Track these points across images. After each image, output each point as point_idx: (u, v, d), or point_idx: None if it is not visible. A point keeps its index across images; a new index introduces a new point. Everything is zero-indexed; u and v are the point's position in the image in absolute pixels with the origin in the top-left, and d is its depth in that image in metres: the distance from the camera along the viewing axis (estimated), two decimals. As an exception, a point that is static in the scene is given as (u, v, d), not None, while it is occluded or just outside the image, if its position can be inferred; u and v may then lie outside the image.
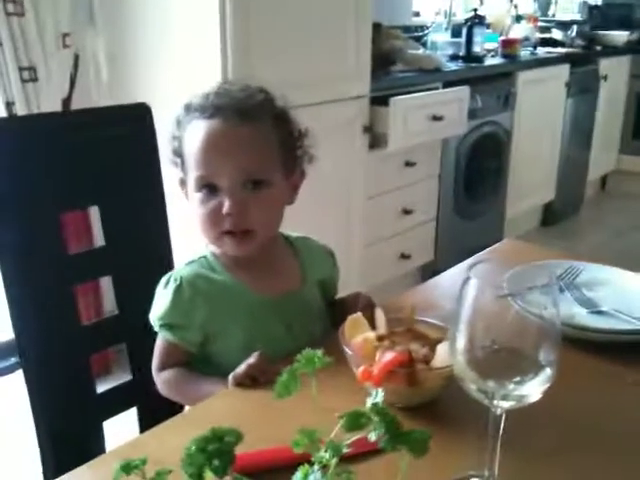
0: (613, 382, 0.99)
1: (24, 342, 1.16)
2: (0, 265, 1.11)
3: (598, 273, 1.25)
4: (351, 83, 2.51)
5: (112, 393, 1.28)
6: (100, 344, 1.32)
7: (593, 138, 4.49)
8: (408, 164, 2.92)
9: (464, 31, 3.47)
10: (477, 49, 3.47)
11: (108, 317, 1.30)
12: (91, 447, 1.22)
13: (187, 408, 1.11)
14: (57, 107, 2.20)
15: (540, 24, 4.49)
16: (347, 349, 0.88)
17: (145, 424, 1.25)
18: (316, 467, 0.52)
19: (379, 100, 2.62)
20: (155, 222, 1.30)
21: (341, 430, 0.57)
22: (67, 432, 1.20)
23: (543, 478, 0.77)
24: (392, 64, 2.94)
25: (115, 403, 1.28)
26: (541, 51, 4.08)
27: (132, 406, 1.28)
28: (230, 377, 0.95)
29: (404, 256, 3.05)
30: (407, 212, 3.00)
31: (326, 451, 0.53)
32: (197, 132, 1.03)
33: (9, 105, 2.09)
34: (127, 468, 0.53)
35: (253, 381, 0.94)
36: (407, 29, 3.57)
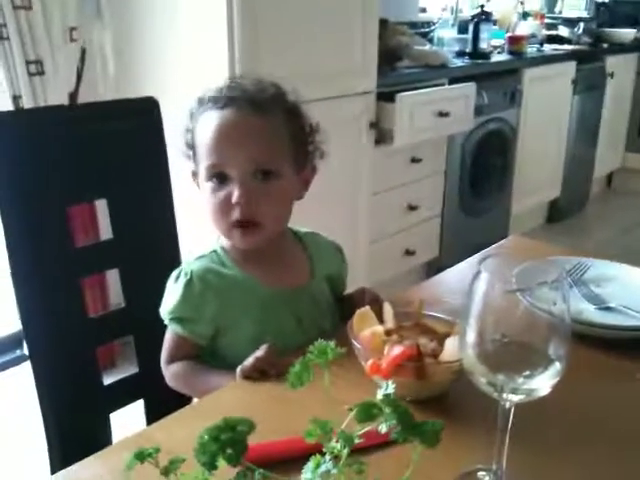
0: (621, 378, 0.99)
1: (31, 334, 1.16)
2: (8, 258, 1.12)
3: (606, 269, 1.25)
4: (357, 79, 2.51)
5: (119, 385, 1.28)
6: (107, 336, 1.32)
7: (599, 135, 4.48)
8: (414, 160, 2.92)
9: (470, 27, 3.46)
10: (483, 46, 3.46)
11: (115, 309, 1.31)
12: (98, 439, 1.22)
13: (195, 401, 1.12)
14: (64, 101, 2.21)
15: (547, 21, 4.48)
16: (355, 343, 0.88)
17: (152, 417, 1.26)
18: (328, 457, 0.52)
19: (385, 96, 2.62)
20: (162, 215, 1.30)
21: (352, 422, 0.57)
22: (74, 424, 1.20)
23: (551, 472, 0.77)
24: (398, 60, 2.94)
25: (122, 395, 1.28)
26: (547, 48, 4.07)
27: (139, 398, 1.29)
28: (238, 370, 0.96)
29: (409, 252, 3.05)
30: (412, 208, 2.99)
31: (337, 442, 0.53)
32: (209, 122, 1.04)
33: (16, 98, 2.09)
34: (141, 456, 0.54)
35: (261, 374, 0.94)
36: (413, 25, 3.56)
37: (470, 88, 2.97)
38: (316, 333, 1.03)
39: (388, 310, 0.99)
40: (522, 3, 4.39)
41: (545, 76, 3.71)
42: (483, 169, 3.36)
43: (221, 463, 0.52)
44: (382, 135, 2.67)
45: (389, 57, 2.87)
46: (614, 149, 4.81)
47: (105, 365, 2.07)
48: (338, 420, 0.58)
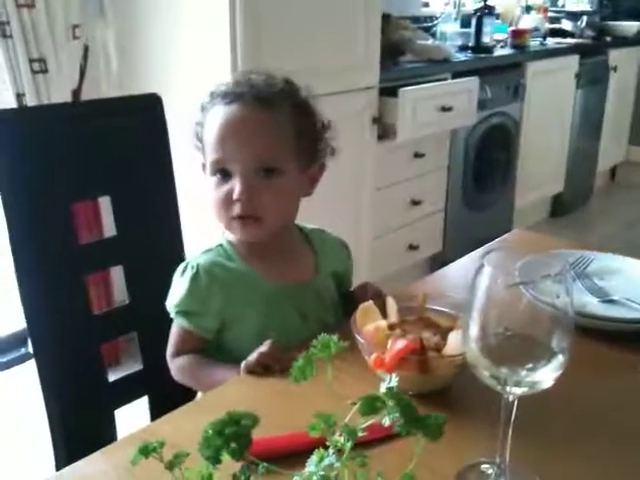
0: (624, 370, 0.99)
1: (36, 332, 1.16)
2: (12, 255, 1.12)
3: (609, 262, 1.25)
4: (360, 74, 2.51)
5: (123, 382, 1.29)
6: (111, 333, 1.33)
7: (602, 129, 4.47)
8: (417, 155, 2.92)
9: (473, 21, 3.45)
10: (486, 40, 3.45)
11: (119, 306, 1.31)
12: (103, 436, 1.22)
13: (199, 396, 1.12)
14: (67, 98, 2.21)
15: (550, 14, 4.46)
16: (359, 337, 0.88)
17: (156, 413, 1.26)
18: (331, 451, 0.52)
19: (388, 91, 2.61)
20: (166, 212, 1.31)
21: (355, 416, 0.58)
22: (79, 421, 1.20)
23: (554, 464, 0.77)
24: (401, 55, 2.93)
25: (126, 392, 1.28)
26: (551, 42, 4.06)
27: (143, 395, 1.29)
28: (242, 365, 0.96)
29: (412, 247, 3.05)
30: (416, 203, 2.99)
31: (341, 435, 0.53)
32: (216, 117, 1.04)
33: (20, 96, 2.10)
34: (145, 451, 0.54)
35: (265, 369, 0.95)
36: (416, 19, 3.55)
37: (473, 82, 2.97)
38: (320, 328, 1.04)
39: (391, 304, 0.99)
40: (525, -4, 4.38)
41: (548, 70, 3.70)
42: (486, 163, 3.36)
43: (225, 457, 0.52)
44: (385, 130, 2.67)
45: (392, 52, 2.86)
46: (618, 142, 4.79)
47: (109, 362, 2.07)
48: (341, 414, 0.58)
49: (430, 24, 3.70)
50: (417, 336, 0.88)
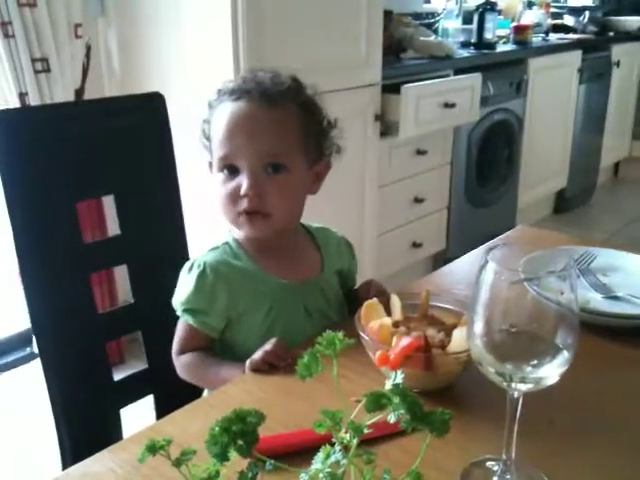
0: (629, 366, 0.99)
1: (41, 331, 1.17)
2: (17, 255, 1.12)
3: (613, 259, 1.25)
4: (362, 71, 2.51)
5: (129, 381, 1.29)
6: (116, 332, 1.33)
7: (605, 125, 4.46)
8: (419, 152, 2.91)
9: (475, 18, 3.45)
10: (489, 36, 3.45)
11: (124, 305, 1.31)
12: (109, 435, 1.23)
13: (205, 394, 1.13)
14: (70, 97, 2.21)
15: (552, 10, 4.46)
16: (363, 334, 0.89)
17: (162, 412, 1.26)
18: (337, 448, 0.53)
19: (390, 88, 2.61)
20: (169, 210, 1.31)
21: (360, 413, 0.58)
22: (85, 420, 1.21)
23: (560, 461, 0.77)
24: (403, 51, 2.94)
25: (132, 391, 1.29)
26: (553, 37, 4.06)
27: (148, 394, 1.29)
28: (247, 363, 0.96)
29: (416, 245, 3.05)
30: (419, 201, 2.99)
31: (347, 432, 0.53)
32: (223, 114, 1.04)
33: (22, 96, 2.10)
34: (153, 448, 0.54)
35: (270, 367, 0.95)
36: (418, 16, 3.55)
37: (476, 79, 2.96)
38: (325, 326, 1.04)
39: (396, 302, 0.99)
40: (527, -8, 4.37)
41: (551, 66, 3.69)
42: (489, 160, 3.35)
43: (232, 455, 0.52)
44: (387, 127, 2.67)
45: (394, 49, 2.86)
46: (621, 138, 4.79)
47: (114, 362, 2.08)
48: (347, 411, 0.59)
49: (432, 20, 3.70)
50: (421, 333, 0.88)
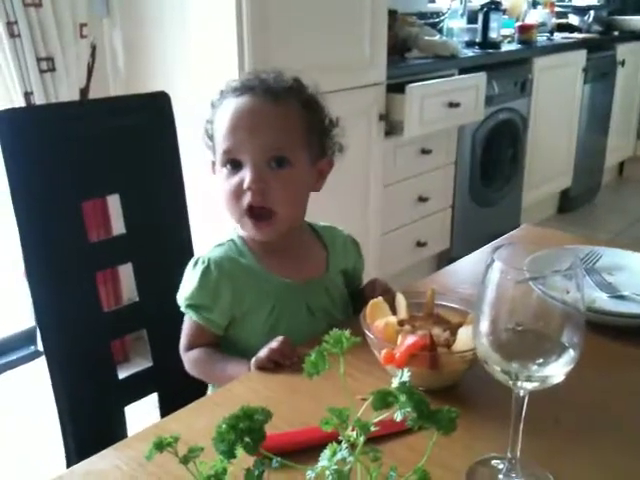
0: (634, 365, 0.99)
1: (46, 329, 1.17)
2: (23, 253, 1.13)
3: (618, 258, 1.25)
4: (367, 70, 2.51)
5: (133, 379, 1.29)
6: (121, 330, 1.33)
7: (610, 124, 4.46)
8: (424, 152, 2.91)
9: (480, 17, 3.45)
10: (493, 35, 3.45)
11: (129, 304, 1.32)
12: (113, 433, 1.23)
13: (209, 391, 1.13)
14: (75, 97, 2.22)
15: (557, 9, 4.45)
16: (369, 333, 0.89)
17: (166, 410, 1.27)
18: (344, 445, 0.53)
19: (395, 87, 2.61)
20: (175, 209, 1.31)
21: (366, 411, 0.58)
22: (89, 418, 1.21)
23: (566, 460, 0.77)
24: (408, 51, 2.93)
25: (136, 389, 1.29)
26: (558, 37, 4.05)
27: (153, 392, 1.30)
28: (252, 361, 0.97)
29: (420, 244, 3.05)
30: (423, 200, 2.99)
31: (353, 430, 0.53)
32: (226, 109, 1.05)
33: (27, 95, 2.11)
34: (160, 445, 0.54)
35: (275, 365, 0.95)
36: (423, 16, 3.55)
37: (480, 78, 2.96)
38: (329, 325, 1.05)
39: (401, 300, 0.99)
40: (532, -8, 4.37)
41: (555, 65, 3.69)
42: (494, 159, 3.35)
43: (239, 452, 0.52)
44: (392, 127, 2.67)
45: (398, 48, 2.86)
46: (625, 137, 4.78)
47: (118, 360, 2.08)
48: (353, 409, 0.59)
49: (437, 20, 3.70)
50: (427, 332, 0.88)
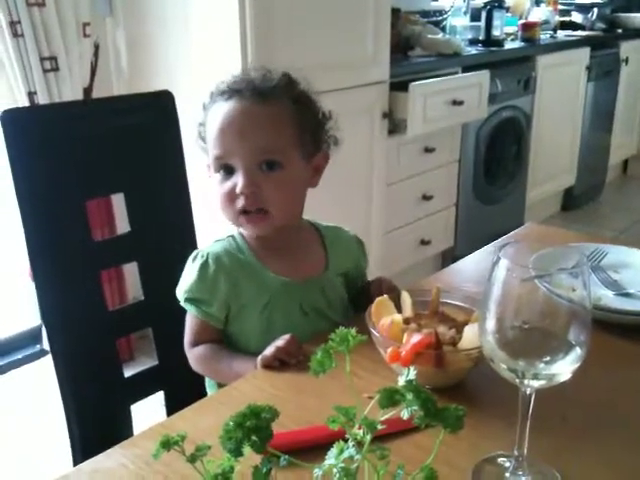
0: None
1: (52, 328, 1.17)
2: (28, 253, 1.13)
3: (623, 256, 1.25)
4: (370, 69, 2.51)
5: (139, 377, 1.29)
6: (126, 329, 1.34)
7: (614, 122, 4.45)
8: (428, 150, 2.91)
9: (483, 15, 3.43)
10: (496, 33, 3.44)
11: (134, 302, 1.32)
12: (119, 431, 1.23)
13: (209, 392, 1.13)
14: (78, 96, 2.22)
15: (560, 7, 4.44)
16: (374, 331, 0.89)
17: (172, 408, 1.26)
18: (351, 444, 0.53)
19: (398, 86, 2.61)
20: (179, 208, 1.31)
21: (373, 409, 0.58)
22: (95, 416, 1.21)
23: (572, 458, 0.77)
24: (411, 49, 2.93)
25: (142, 387, 1.29)
26: (561, 34, 4.04)
27: (159, 390, 1.30)
28: (258, 359, 0.97)
29: (424, 242, 3.04)
30: (427, 198, 2.99)
31: (360, 428, 0.53)
32: (216, 114, 1.05)
33: (31, 95, 2.11)
34: (167, 444, 0.54)
35: (281, 363, 0.95)
36: (426, 14, 3.54)
37: (484, 76, 2.96)
38: (323, 325, 1.05)
39: (406, 299, 0.99)
40: (535, -11, 4.36)
41: (559, 63, 3.68)
42: (497, 157, 3.34)
43: (246, 450, 0.52)
44: (395, 125, 2.66)
45: (402, 46, 2.86)
46: (629, 135, 4.77)
47: (124, 359, 2.08)
48: (359, 408, 0.59)
49: (440, 18, 3.69)
50: (432, 330, 0.88)
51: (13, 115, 1.14)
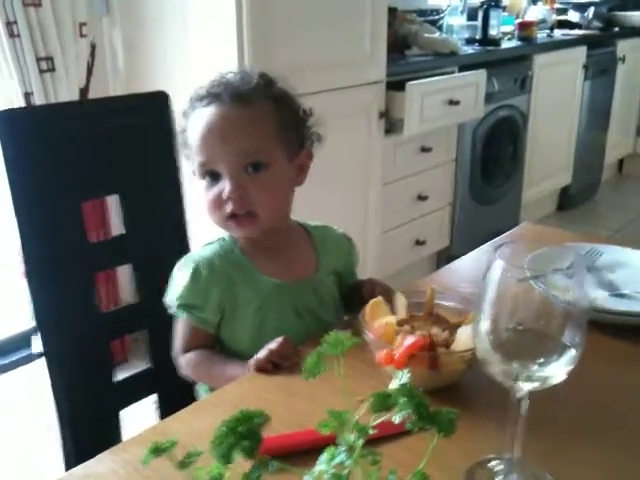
0: (634, 364, 0.99)
1: (46, 330, 1.17)
2: (22, 254, 1.12)
3: (619, 256, 1.25)
4: (367, 68, 2.50)
5: (132, 380, 1.29)
6: (120, 331, 1.33)
7: (610, 121, 4.45)
8: (424, 149, 2.91)
9: (480, 14, 3.44)
10: (493, 32, 3.44)
11: (128, 305, 1.31)
12: (112, 435, 1.23)
13: (200, 396, 1.12)
14: (75, 97, 2.21)
15: (557, 6, 4.44)
16: (368, 333, 0.88)
17: (165, 412, 1.26)
18: (342, 448, 0.52)
19: (395, 85, 2.60)
20: (174, 210, 1.31)
21: (365, 413, 0.57)
22: (88, 419, 1.21)
23: (565, 460, 0.77)
24: (408, 48, 2.93)
25: (135, 390, 1.29)
26: (558, 33, 4.04)
27: (152, 393, 1.29)
28: (251, 362, 0.96)
29: (419, 242, 3.04)
30: (422, 198, 2.99)
31: (352, 433, 0.53)
32: (197, 121, 1.05)
33: (27, 95, 2.10)
34: (156, 451, 0.54)
35: (274, 366, 0.95)
36: (422, 13, 3.54)
37: (480, 75, 2.95)
38: (316, 326, 1.05)
39: (400, 300, 0.99)
40: (531, -12, 4.36)
41: (555, 62, 3.68)
42: (494, 157, 3.34)
43: (236, 456, 0.52)
44: (392, 124, 2.66)
45: (398, 46, 2.85)
46: (625, 134, 4.77)
47: (117, 361, 2.08)
48: (351, 411, 0.58)
49: (436, 17, 3.68)
50: (426, 332, 0.88)
51: (9, 116, 1.14)
